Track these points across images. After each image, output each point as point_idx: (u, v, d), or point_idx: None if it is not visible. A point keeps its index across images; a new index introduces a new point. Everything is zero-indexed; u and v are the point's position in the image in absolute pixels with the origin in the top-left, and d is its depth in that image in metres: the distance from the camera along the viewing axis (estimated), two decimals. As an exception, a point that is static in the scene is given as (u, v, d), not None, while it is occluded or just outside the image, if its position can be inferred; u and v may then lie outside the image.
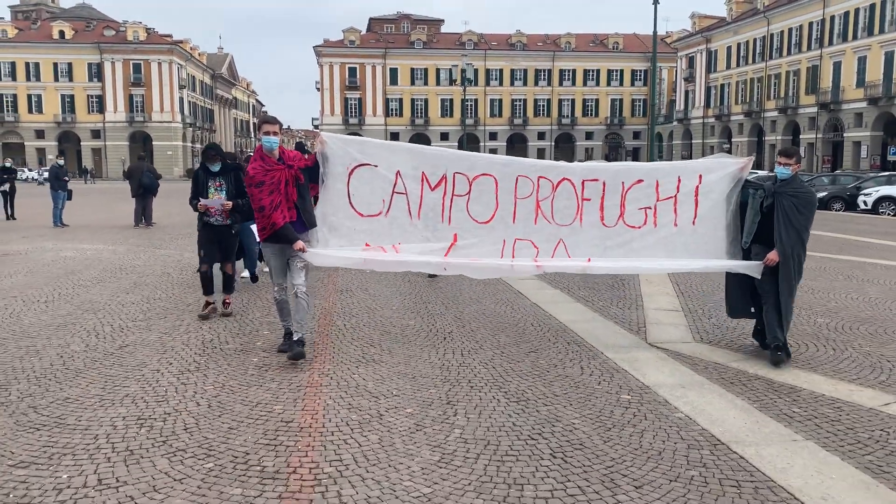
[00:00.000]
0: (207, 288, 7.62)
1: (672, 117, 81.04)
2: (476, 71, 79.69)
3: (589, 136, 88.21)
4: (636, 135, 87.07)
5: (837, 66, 55.57)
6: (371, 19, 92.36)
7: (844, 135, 54.99)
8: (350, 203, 5.98)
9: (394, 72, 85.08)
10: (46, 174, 22.94)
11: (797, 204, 5.90)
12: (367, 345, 6.49)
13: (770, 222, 5.98)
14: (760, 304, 6.15)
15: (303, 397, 5.02)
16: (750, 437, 4.35)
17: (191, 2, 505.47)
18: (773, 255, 5.90)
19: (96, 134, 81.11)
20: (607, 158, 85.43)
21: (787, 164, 5.99)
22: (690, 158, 73.09)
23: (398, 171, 6.05)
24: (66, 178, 18.94)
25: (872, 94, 50.99)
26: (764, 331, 6.18)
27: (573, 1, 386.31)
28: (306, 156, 6.27)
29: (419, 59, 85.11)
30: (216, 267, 7.77)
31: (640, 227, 6.30)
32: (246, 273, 9.97)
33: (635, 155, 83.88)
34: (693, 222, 6.32)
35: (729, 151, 69.15)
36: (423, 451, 4.11)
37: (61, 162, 19.63)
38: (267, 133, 5.78)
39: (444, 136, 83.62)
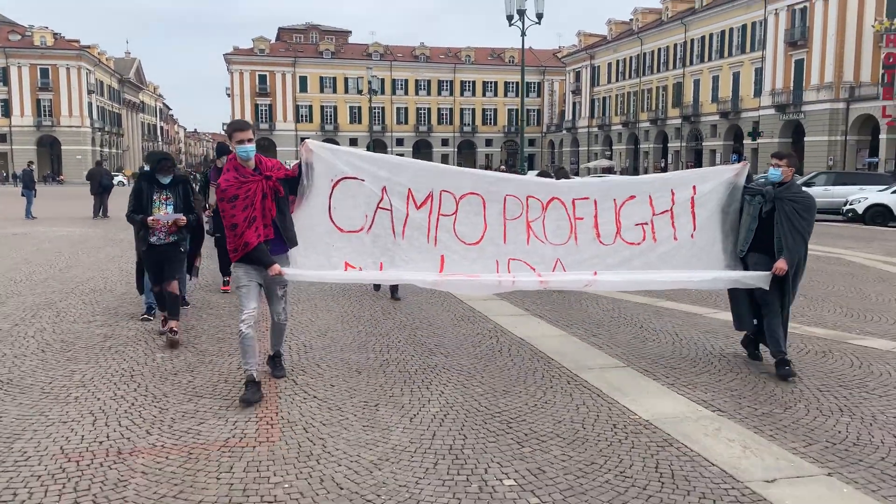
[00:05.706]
0: (162, 303, 7.11)
1: (562, 126, 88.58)
2: (382, 81, 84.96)
3: (489, 142, 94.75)
4: (531, 142, 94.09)
5: (697, 84, 63.74)
6: (280, 29, 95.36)
7: (703, 144, 63.25)
8: (330, 217, 5.64)
9: (303, 80, 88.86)
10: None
11: (798, 209, 5.76)
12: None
13: (767, 229, 5.85)
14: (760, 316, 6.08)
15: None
16: (534, 335, 7.26)
17: (94, 3, 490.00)
18: (781, 264, 5.72)
19: (2, 138, 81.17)
20: (506, 164, 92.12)
21: (777, 165, 5.88)
22: (577, 163, 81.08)
23: (384, 187, 5.70)
24: (35, 180, 23.09)
25: (723, 109, 59.26)
26: (755, 340, 6.23)
27: (476, 13, 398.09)
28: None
29: (328, 69, 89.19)
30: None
31: (639, 244, 6.11)
32: None
33: (531, 161, 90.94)
34: (692, 236, 6.16)
35: (610, 158, 76.78)
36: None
37: (33, 167, 23.75)
38: (241, 141, 5.13)
39: (354, 142, 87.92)
